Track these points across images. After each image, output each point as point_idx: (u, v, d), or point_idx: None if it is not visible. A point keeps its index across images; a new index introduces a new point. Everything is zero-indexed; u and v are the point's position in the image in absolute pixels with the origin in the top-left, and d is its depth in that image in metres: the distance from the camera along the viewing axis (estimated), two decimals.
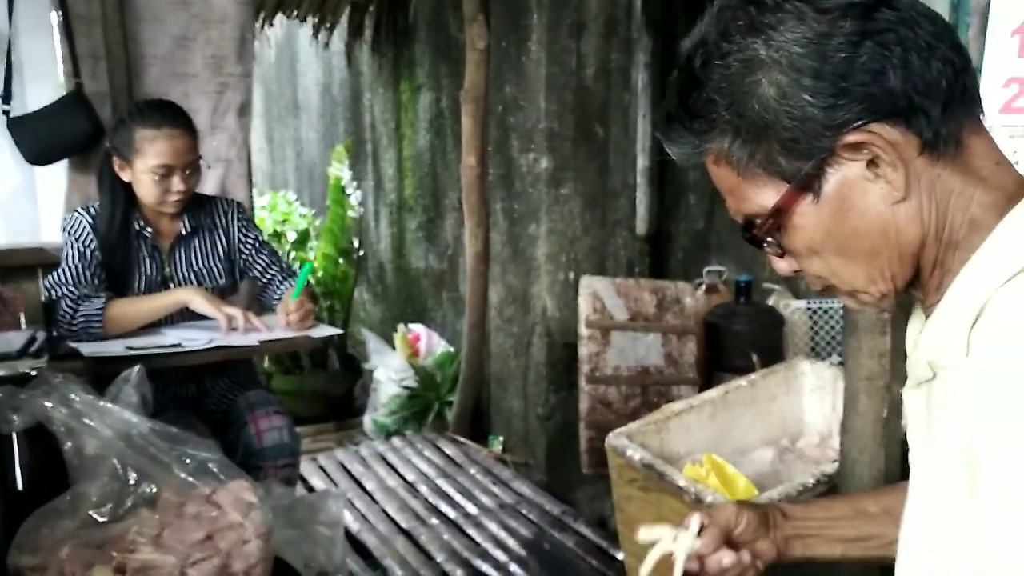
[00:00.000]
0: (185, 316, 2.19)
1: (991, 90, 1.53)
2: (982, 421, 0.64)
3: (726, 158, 0.72)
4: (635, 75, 3.14)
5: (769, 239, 0.74)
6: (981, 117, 0.72)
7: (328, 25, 4.64)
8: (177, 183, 2.06)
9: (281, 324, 2.18)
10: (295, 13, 4.49)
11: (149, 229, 2.16)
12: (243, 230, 2.31)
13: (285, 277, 2.31)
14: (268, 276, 2.31)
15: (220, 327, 2.08)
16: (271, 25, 4.59)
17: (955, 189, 0.69)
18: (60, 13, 2.73)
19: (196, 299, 2.09)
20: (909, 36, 0.66)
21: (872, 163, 0.68)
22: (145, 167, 2.05)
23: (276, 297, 2.29)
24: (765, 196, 0.72)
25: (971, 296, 0.68)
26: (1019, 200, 0.69)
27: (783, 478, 2.13)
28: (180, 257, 2.21)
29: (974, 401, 0.65)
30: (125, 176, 2.10)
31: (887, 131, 0.66)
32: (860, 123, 0.66)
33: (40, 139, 2.71)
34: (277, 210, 5.07)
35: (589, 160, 2.98)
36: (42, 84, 2.84)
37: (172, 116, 2.12)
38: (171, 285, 2.19)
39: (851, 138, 0.67)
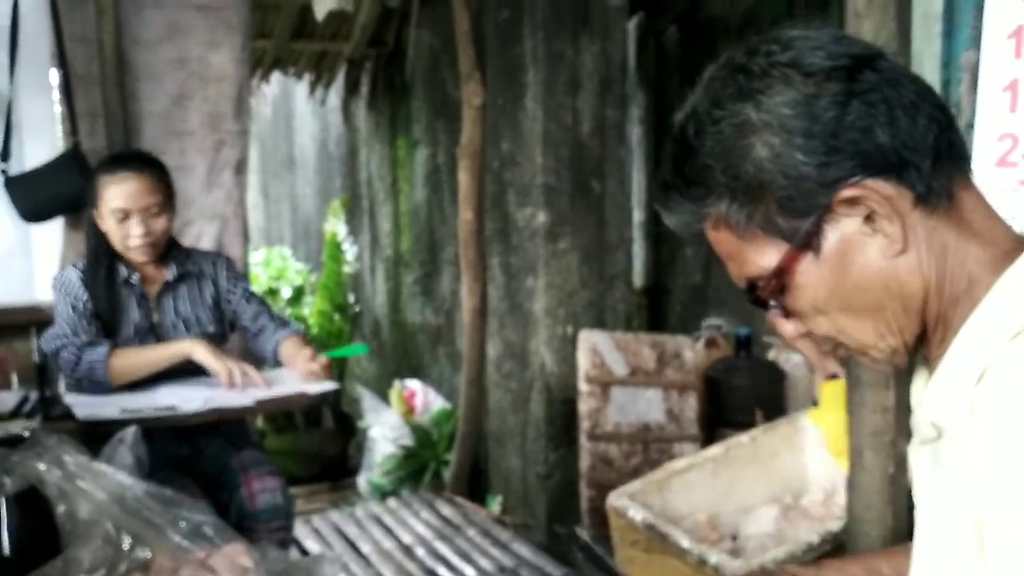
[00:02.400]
0: (198, 373, 2.17)
1: (985, 144, 1.54)
2: (989, 487, 0.64)
3: (725, 222, 0.73)
4: (630, 130, 3.17)
5: (774, 300, 0.74)
6: (970, 174, 0.73)
7: (325, 82, 4.71)
8: (136, 226, 2.06)
9: (301, 372, 2.15)
10: (292, 70, 4.56)
11: (136, 276, 2.17)
12: (230, 280, 2.30)
13: (278, 327, 2.29)
14: (259, 325, 2.29)
15: (219, 381, 2.06)
16: (268, 82, 4.66)
17: (951, 243, 0.71)
18: (60, 72, 2.76)
19: (198, 350, 2.08)
20: (893, 95, 0.69)
21: (869, 218, 0.70)
22: (106, 211, 2.08)
23: (270, 347, 2.27)
24: (766, 257, 0.73)
25: (973, 355, 0.68)
26: (1014, 255, 0.70)
27: (788, 537, 2.09)
28: (168, 304, 2.21)
29: (981, 466, 0.65)
30: (101, 224, 2.12)
31: (880, 185, 0.68)
32: (853, 179, 0.68)
33: (36, 197, 2.72)
34: (272, 266, 5.07)
35: (586, 214, 2.99)
36: (40, 142, 2.85)
37: (129, 161, 2.17)
38: (160, 332, 2.18)
39: (846, 193, 0.68)
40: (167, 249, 2.22)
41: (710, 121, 0.71)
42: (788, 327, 0.77)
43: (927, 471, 0.76)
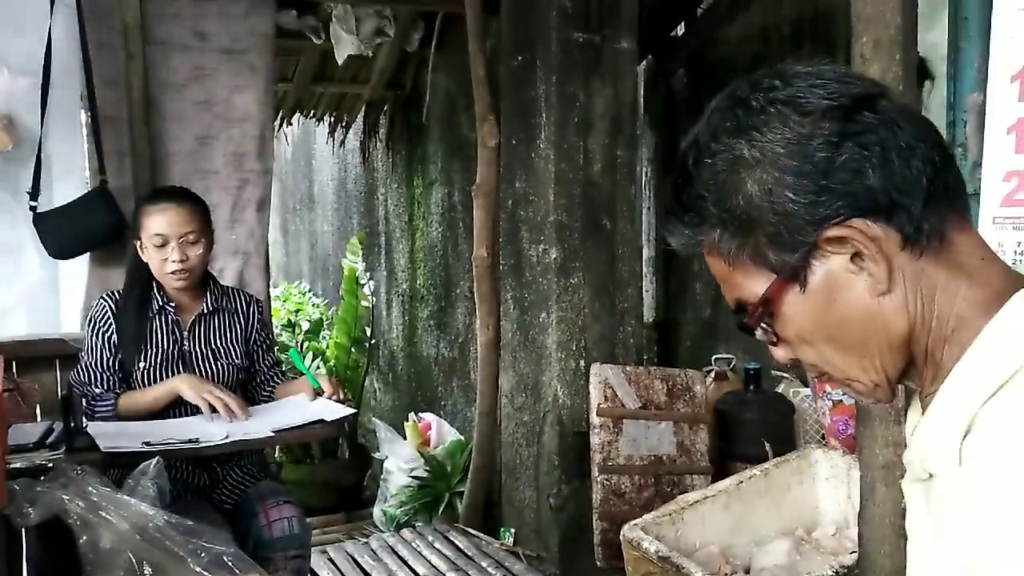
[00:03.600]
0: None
1: (992, 184, 1.57)
2: (982, 537, 0.65)
3: (717, 249, 0.75)
4: (640, 169, 3.23)
5: (761, 327, 0.77)
6: (966, 214, 0.74)
7: (344, 124, 4.81)
8: (173, 252, 2.18)
9: (327, 388, 2.25)
10: (312, 113, 4.66)
11: (171, 305, 2.27)
12: (259, 325, 2.41)
13: (286, 378, 2.44)
14: (272, 373, 2.42)
15: (207, 414, 2.12)
16: (289, 124, 4.76)
17: (940, 283, 0.71)
18: (90, 113, 2.86)
19: (183, 387, 2.15)
20: (889, 137, 0.69)
21: (856, 256, 0.70)
22: (147, 239, 2.20)
23: (264, 395, 2.39)
24: (755, 286, 0.74)
25: (961, 404, 0.69)
26: (1006, 296, 0.71)
27: (800, 570, 2.10)
28: (199, 334, 2.29)
29: (973, 516, 0.66)
30: (143, 255, 2.23)
31: (867, 226, 0.69)
32: (841, 218, 0.69)
33: (64, 234, 2.80)
34: (291, 300, 5.14)
35: (597, 251, 3.04)
36: (69, 180, 2.94)
37: (170, 193, 2.32)
38: (188, 360, 2.26)
39: (832, 232, 0.69)
40: (204, 282, 2.31)
41: (707, 153, 0.73)
42: (779, 351, 0.79)
43: (919, 507, 0.77)
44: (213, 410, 2.11)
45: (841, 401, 2.46)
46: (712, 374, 3.01)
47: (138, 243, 2.24)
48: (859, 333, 0.73)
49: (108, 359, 2.22)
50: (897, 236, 0.70)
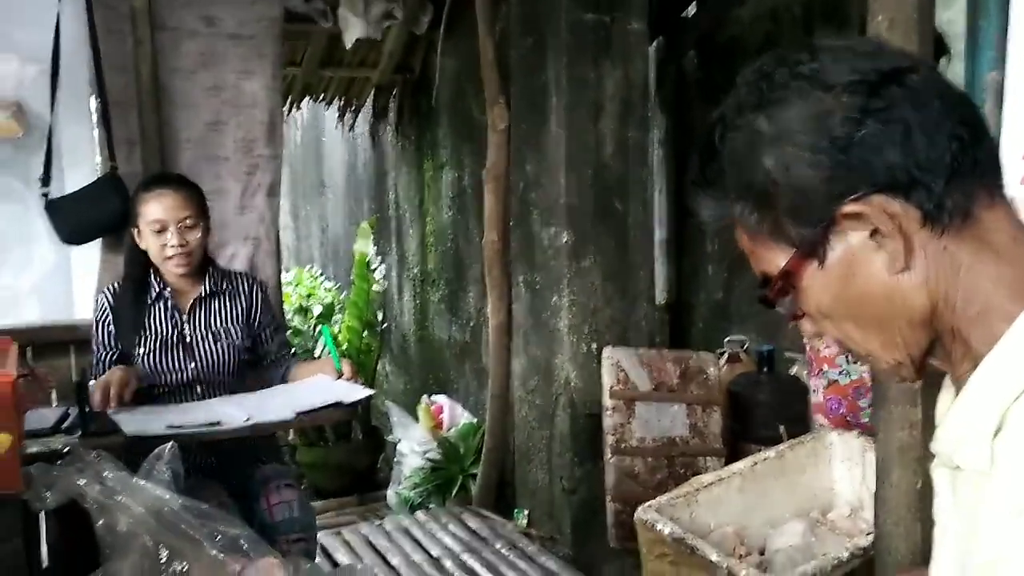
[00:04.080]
0: (225, 388, 2.27)
1: (1011, 164, 1.56)
2: (1008, 536, 0.65)
3: (740, 223, 0.76)
4: (651, 152, 3.21)
5: (780, 300, 0.77)
6: (998, 191, 0.72)
7: (353, 108, 4.79)
8: (172, 237, 2.21)
9: (346, 370, 2.25)
10: (321, 97, 4.65)
11: (169, 290, 2.30)
12: (263, 306, 2.41)
13: (295, 360, 2.47)
14: (280, 355, 2.43)
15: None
16: (299, 108, 4.75)
17: (964, 261, 0.70)
18: (99, 100, 2.86)
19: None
20: (912, 113, 0.68)
21: (875, 232, 0.70)
22: (145, 225, 2.23)
23: (278, 377, 2.39)
24: (777, 259, 0.75)
25: (992, 398, 0.68)
26: None
27: (816, 551, 2.10)
28: (199, 317, 2.31)
29: (1001, 515, 0.66)
30: (141, 243, 2.25)
31: (886, 203, 0.69)
32: (859, 194, 0.69)
33: (75, 220, 2.81)
34: (303, 284, 5.15)
35: (609, 234, 3.03)
36: (79, 167, 2.95)
37: (166, 179, 2.37)
38: (188, 343, 2.28)
39: (850, 208, 0.69)
40: (203, 266, 2.31)
41: (731, 127, 0.74)
42: (805, 326, 0.79)
43: (946, 493, 0.77)
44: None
45: (836, 381, 2.44)
46: (725, 356, 2.99)
47: (136, 231, 2.27)
48: (879, 310, 0.73)
49: (110, 353, 2.26)
50: (917, 213, 0.69)
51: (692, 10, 3.49)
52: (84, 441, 1.84)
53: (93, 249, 2.90)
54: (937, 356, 0.76)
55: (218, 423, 1.99)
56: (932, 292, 0.71)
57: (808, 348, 2.55)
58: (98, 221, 2.81)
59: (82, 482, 1.47)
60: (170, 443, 1.54)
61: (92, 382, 2.15)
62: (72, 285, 3.04)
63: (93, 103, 2.91)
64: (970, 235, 0.70)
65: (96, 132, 2.94)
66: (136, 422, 1.96)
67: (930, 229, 0.69)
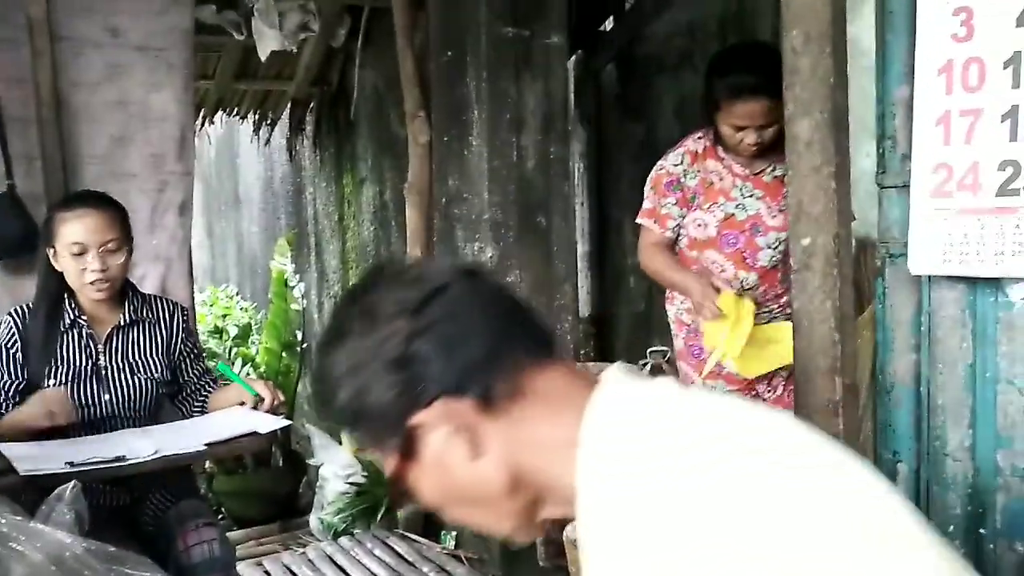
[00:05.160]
0: (141, 423, 2.14)
1: (922, 176, 1.59)
2: None
3: (356, 442, 0.91)
4: (573, 165, 3.22)
5: (402, 499, 0.90)
6: (545, 355, 0.82)
7: (269, 122, 4.68)
8: (92, 261, 2.05)
9: (266, 395, 2.15)
10: (236, 111, 4.53)
11: (84, 318, 2.14)
12: (184, 335, 2.28)
13: (217, 387, 2.31)
14: (202, 383, 2.30)
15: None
16: (212, 123, 4.62)
17: (527, 427, 0.79)
18: None
19: (24, 416, 2.02)
20: (449, 325, 0.79)
21: (450, 430, 0.79)
22: (63, 248, 2.07)
23: (197, 406, 2.28)
24: (389, 466, 0.84)
25: (591, 530, 0.75)
26: (581, 417, 0.77)
27: None
28: (116, 347, 2.16)
29: None
30: (57, 265, 2.10)
31: (447, 405, 0.78)
32: (423, 403, 0.78)
33: None
34: (218, 304, 4.99)
35: (533, 248, 3.02)
36: None
37: (86, 198, 2.19)
38: (103, 375, 2.13)
39: (419, 418, 0.79)
40: (123, 293, 2.19)
41: (320, 363, 0.85)
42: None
43: None
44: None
45: (733, 215, 2.40)
46: (648, 367, 3.01)
47: (51, 252, 2.10)
48: (474, 493, 0.82)
49: (15, 383, 2.09)
50: (473, 406, 0.78)
51: (610, 25, 3.54)
52: None
53: None
54: (551, 506, 0.84)
55: (123, 457, 1.87)
56: (510, 465, 0.80)
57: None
58: None
59: None
60: (72, 482, 1.44)
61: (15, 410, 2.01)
62: None
63: None
64: (525, 404, 0.79)
65: None
66: (31, 460, 1.82)
67: (488, 415, 0.79)
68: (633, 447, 0.73)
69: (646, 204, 2.48)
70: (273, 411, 2.16)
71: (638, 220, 2.50)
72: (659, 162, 2.47)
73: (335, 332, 0.84)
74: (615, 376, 0.82)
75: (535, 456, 0.79)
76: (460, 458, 0.80)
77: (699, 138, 2.45)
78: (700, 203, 2.42)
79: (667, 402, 0.77)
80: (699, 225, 2.43)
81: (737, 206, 2.41)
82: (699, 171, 2.41)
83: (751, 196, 2.41)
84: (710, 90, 2.33)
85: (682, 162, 2.42)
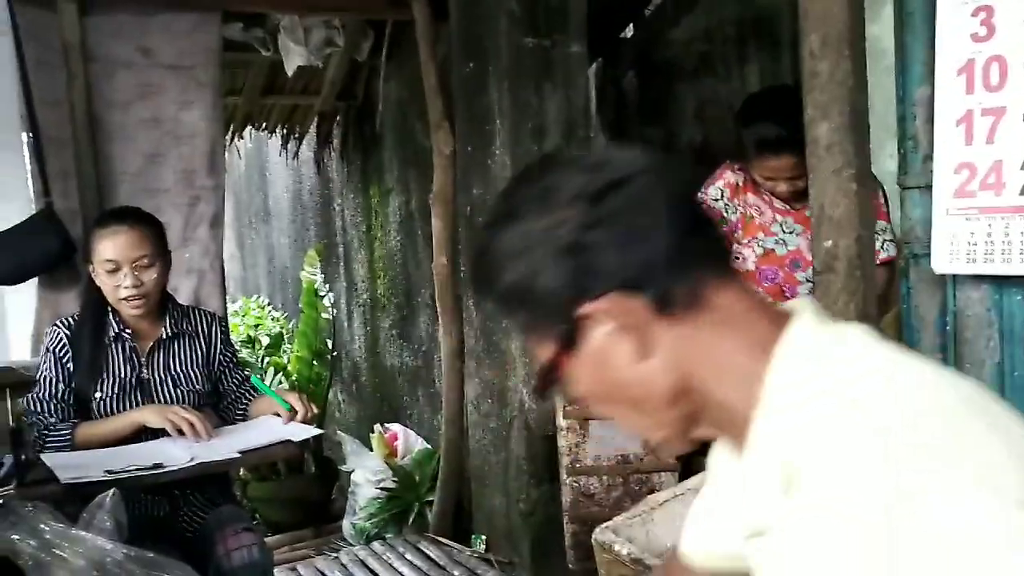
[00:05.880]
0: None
1: (944, 176, 1.59)
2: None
3: (513, 322, 0.84)
4: None
5: (549, 388, 0.84)
6: (728, 271, 0.80)
7: (296, 136, 4.75)
8: (125, 278, 2.10)
9: (298, 408, 2.19)
10: (264, 126, 4.60)
11: (128, 331, 2.19)
12: (223, 345, 2.33)
13: (257, 395, 2.34)
14: (242, 391, 2.34)
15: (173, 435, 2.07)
16: (241, 138, 4.69)
17: (704, 340, 0.77)
18: (31, 134, 2.78)
19: (146, 415, 2.10)
20: (632, 218, 0.76)
21: (615, 327, 0.77)
22: (99, 264, 2.13)
23: (239, 413, 2.32)
24: (544, 354, 0.82)
25: (773, 457, 0.73)
26: (773, 343, 0.75)
27: None
28: (158, 360, 2.22)
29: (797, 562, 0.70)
30: (96, 280, 2.16)
31: (619, 301, 0.76)
32: (594, 295, 0.76)
33: (9, 259, 2.71)
34: (250, 315, 5.06)
35: None
36: (13, 204, 2.86)
37: (121, 215, 2.22)
38: (148, 388, 2.19)
39: (587, 308, 0.76)
40: (163, 306, 2.24)
41: (488, 240, 0.82)
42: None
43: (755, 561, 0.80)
44: (180, 432, 2.05)
45: (773, 250, 2.42)
46: None
47: (91, 268, 2.16)
48: (633, 394, 0.80)
49: (63, 389, 2.14)
50: (647, 307, 0.76)
51: (629, 32, 3.55)
52: (19, 491, 1.76)
53: (29, 288, 2.81)
54: (706, 426, 0.81)
55: (160, 465, 1.92)
56: (678, 374, 0.77)
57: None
58: (34, 259, 2.73)
59: (16, 537, 1.41)
60: (112, 490, 1.49)
61: (42, 421, 2.07)
62: (6, 327, 2.94)
63: (25, 137, 2.83)
64: (705, 317, 0.77)
65: (29, 167, 2.86)
66: (72, 468, 1.87)
67: (662, 319, 0.76)
68: (821, 386, 0.71)
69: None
70: (306, 422, 2.21)
71: None
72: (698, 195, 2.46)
73: (505, 212, 0.81)
74: (809, 311, 0.78)
75: (708, 372, 0.77)
76: (625, 357, 0.78)
77: (738, 169, 2.42)
78: (739, 237, 2.42)
79: (859, 346, 0.75)
80: (736, 259, 2.42)
81: (777, 241, 2.40)
82: (739, 205, 2.40)
83: (791, 232, 2.40)
84: (739, 138, 2.33)
85: (722, 196, 2.41)
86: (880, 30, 2.12)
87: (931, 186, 1.62)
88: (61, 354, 2.16)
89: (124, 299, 2.12)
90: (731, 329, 0.77)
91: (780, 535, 0.71)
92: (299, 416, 2.19)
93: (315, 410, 2.27)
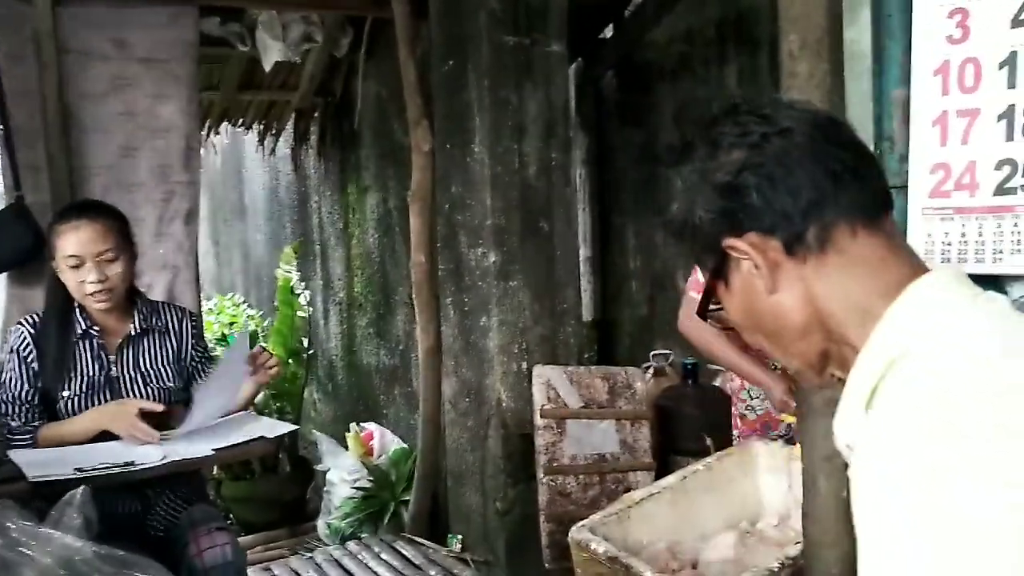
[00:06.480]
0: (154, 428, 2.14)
1: (919, 176, 1.61)
2: (858, 511, 0.72)
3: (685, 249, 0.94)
4: (574, 171, 3.24)
5: (709, 312, 0.94)
6: (868, 219, 0.84)
7: (273, 132, 4.71)
8: (89, 273, 2.05)
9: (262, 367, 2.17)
10: (241, 121, 4.56)
11: (95, 328, 2.13)
12: (196, 338, 2.29)
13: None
14: None
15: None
16: (217, 133, 4.65)
17: (831, 282, 0.83)
18: (1, 127, 2.73)
19: (105, 420, 2.06)
20: (781, 167, 0.83)
21: (754, 263, 0.85)
22: (61, 260, 2.07)
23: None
24: (706, 280, 0.91)
25: (861, 385, 0.78)
26: (906, 284, 0.80)
27: (747, 562, 2.12)
28: (127, 357, 2.17)
29: (854, 496, 0.74)
30: (60, 276, 2.10)
31: (755, 239, 0.84)
32: (737, 232, 0.84)
33: None
34: (225, 313, 5.02)
35: (535, 253, 3.04)
36: None
37: (82, 208, 2.17)
38: (116, 386, 2.14)
39: (728, 243, 0.85)
40: (131, 301, 2.19)
41: (671, 176, 0.91)
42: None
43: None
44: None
45: (745, 416, 2.47)
46: (651, 370, 3.03)
47: (54, 264, 2.10)
48: (770, 325, 0.88)
49: (28, 390, 2.09)
50: (780, 246, 0.83)
51: (609, 32, 3.56)
52: None
53: None
54: (836, 364, 0.87)
55: (132, 463, 1.89)
56: (808, 310, 0.84)
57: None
58: (4, 253, 2.68)
59: None
60: (81, 487, 1.46)
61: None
62: None
63: None
64: (835, 260, 0.83)
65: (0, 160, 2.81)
66: (40, 466, 1.83)
67: (794, 258, 0.83)
68: (913, 346, 0.75)
69: (699, 276, 2.43)
70: (268, 375, 2.20)
71: (689, 292, 2.34)
72: None
73: (686, 150, 0.90)
74: (949, 272, 0.83)
75: (835, 311, 0.83)
76: (760, 290, 0.86)
77: None
78: None
79: (975, 316, 0.77)
80: None
81: None
82: None
83: None
84: None
85: None
86: (858, 33, 2.14)
87: (907, 186, 1.64)
88: (25, 354, 2.10)
89: (89, 295, 2.06)
90: (861, 273, 0.83)
91: (857, 457, 0.76)
92: (262, 358, 2.16)
93: (272, 358, 2.22)
